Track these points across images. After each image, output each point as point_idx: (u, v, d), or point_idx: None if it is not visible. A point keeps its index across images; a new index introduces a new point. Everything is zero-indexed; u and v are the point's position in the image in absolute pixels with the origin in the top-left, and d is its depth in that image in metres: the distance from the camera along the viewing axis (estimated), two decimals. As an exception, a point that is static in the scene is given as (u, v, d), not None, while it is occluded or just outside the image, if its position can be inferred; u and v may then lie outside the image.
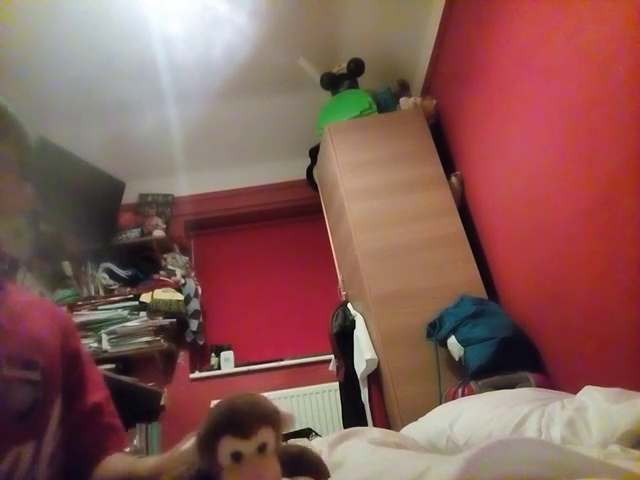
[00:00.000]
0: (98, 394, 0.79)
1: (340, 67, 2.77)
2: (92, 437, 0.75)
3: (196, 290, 3.18)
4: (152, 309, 2.95)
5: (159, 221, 3.34)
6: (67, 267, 3.10)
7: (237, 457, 0.37)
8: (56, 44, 2.40)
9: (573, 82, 1.46)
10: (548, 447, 0.28)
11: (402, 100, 2.71)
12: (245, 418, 0.39)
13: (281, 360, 2.99)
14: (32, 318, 0.72)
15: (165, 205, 3.49)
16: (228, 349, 3.11)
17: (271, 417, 0.40)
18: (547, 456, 0.26)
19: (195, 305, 3.10)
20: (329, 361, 2.53)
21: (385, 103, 2.79)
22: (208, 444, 0.39)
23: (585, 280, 1.54)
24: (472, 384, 1.76)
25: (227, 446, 0.37)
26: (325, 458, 0.61)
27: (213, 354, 3.10)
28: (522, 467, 0.26)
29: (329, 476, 0.48)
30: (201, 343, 3.13)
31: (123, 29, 2.38)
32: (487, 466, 0.26)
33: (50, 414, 0.66)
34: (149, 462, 0.68)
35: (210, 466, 0.40)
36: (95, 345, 2.82)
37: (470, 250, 2.25)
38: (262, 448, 0.38)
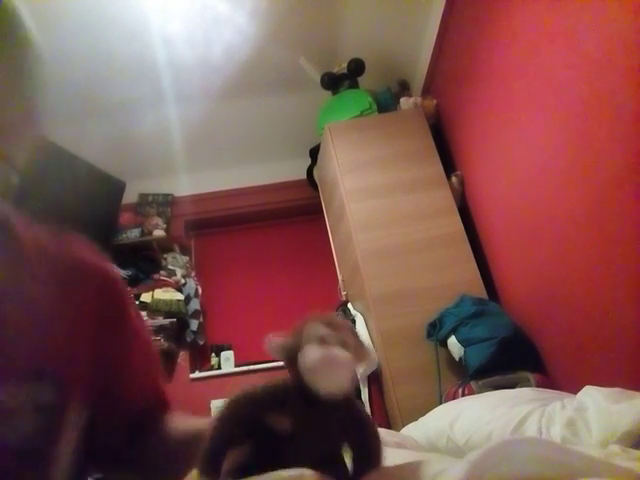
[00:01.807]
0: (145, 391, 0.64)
1: (340, 67, 2.77)
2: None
3: (196, 290, 3.18)
4: (152, 309, 2.95)
5: (159, 221, 3.34)
6: (67, 267, 3.10)
7: (321, 341, 0.39)
8: (56, 44, 2.40)
9: (573, 82, 1.46)
10: (550, 446, 0.28)
11: (402, 100, 2.71)
12: (333, 319, 0.42)
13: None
14: (49, 289, 0.49)
15: (165, 205, 3.49)
16: (228, 349, 3.11)
17: (356, 335, 0.42)
18: (550, 455, 0.26)
19: (195, 305, 3.10)
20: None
21: (385, 103, 2.79)
22: (297, 338, 0.41)
23: (585, 280, 1.54)
24: (472, 384, 1.76)
25: (316, 331, 0.40)
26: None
27: (213, 354, 3.10)
28: (527, 467, 0.26)
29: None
30: (201, 343, 3.13)
31: (124, 29, 2.38)
32: (492, 467, 0.26)
33: (67, 435, 0.48)
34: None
35: (293, 362, 0.41)
36: (95, 345, 2.82)
37: (470, 250, 2.25)
38: (344, 344, 0.40)
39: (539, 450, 0.27)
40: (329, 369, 0.38)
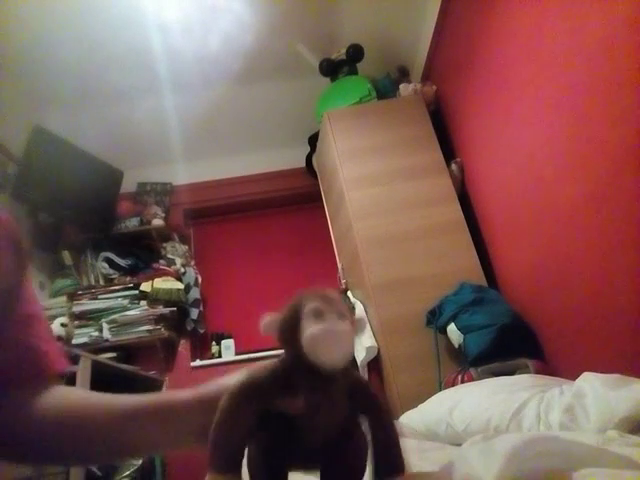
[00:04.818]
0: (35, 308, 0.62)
1: (339, 53, 2.74)
2: (29, 350, 0.60)
3: (196, 279, 3.18)
4: (152, 298, 2.95)
5: (158, 210, 3.33)
6: (66, 256, 3.10)
7: (318, 314, 0.40)
8: (53, 32, 2.38)
9: (574, 68, 1.45)
10: (551, 439, 0.28)
11: (402, 86, 2.69)
12: (329, 293, 0.43)
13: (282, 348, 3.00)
14: None
15: (164, 194, 3.48)
16: (229, 337, 3.12)
17: (348, 307, 0.43)
18: (553, 448, 0.26)
19: (195, 294, 3.11)
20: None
21: (385, 89, 2.77)
22: (292, 315, 0.42)
23: (584, 267, 1.54)
24: (472, 371, 1.77)
25: (310, 304, 0.40)
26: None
27: (214, 342, 3.11)
28: (555, 461, 0.26)
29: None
30: (202, 331, 3.14)
31: (119, 16, 2.35)
32: (525, 461, 0.26)
33: None
34: (183, 394, 0.57)
35: (290, 339, 0.41)
36: (96, 334, 2.83)
37: (470, 237, 2.24)
38: (341, 316, 0.40)
39: (547, 446, 0.27)
40: (330, 342, 0.39)
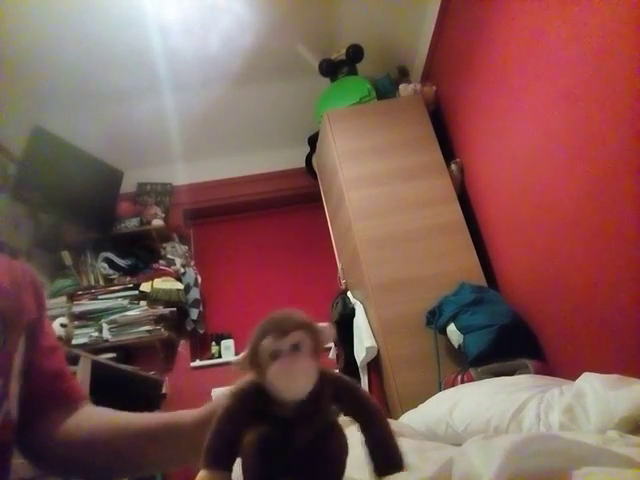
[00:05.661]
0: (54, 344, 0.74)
1: (339, 53, 2.74)
2: (53, 377, 0.71)
3: (196, 279, 3.18)
4: (152, 298, 2.95)
5: (158, 210, 3.33)
6: (66, 257, 3.10)
7: (275, 355, 0.42)
8: (53, 32, 2.38)
9: (574, 68, 1.45)
10: (552, 438, 0.28)
11: (402, 87, 2.68)
12: (280, 322, 0.44)
13: (281, 348, 3.00)
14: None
15: (164, 194, 3.48)
16: (228, 337, 3.13)
17: (305, 323, 0.44)
18: (554, 447, 0.26)
19: (195, 294, 3.11)
20: (329, 349, 2.54)
21: (384, 90, 2.77)
22: (253, 354, 0.45)
23: (584, 267, 1.54)
24: (471, 371, 1.76)
25: (266, 347, 0.43)
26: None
27: (213, 343, 3.11)
28: (555, 460, 0.26)
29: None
30: (201, 332, 3.14)
31: (119, 16, 2.35)
32: (525, 459, 0.26)
33: (14, 351, 0.63)
34: (190, 414, 0.62)
35: (259, 374, 0.44)
36: (96, 334, 2.83)
37: (470, 238, 2.24)
38: (295, 347, 0.42)
39: (547, 444, 0.27)
40: (286, 381, 0.41)
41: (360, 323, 2.21)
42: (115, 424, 0.66)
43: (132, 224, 3.20)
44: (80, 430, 0.66)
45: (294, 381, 0.41)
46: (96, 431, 0.65)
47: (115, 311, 2.91)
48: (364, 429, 0.46)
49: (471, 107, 2.26)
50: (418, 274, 2.17)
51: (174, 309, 2.99)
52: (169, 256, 3.20)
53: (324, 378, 0.44)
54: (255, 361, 0.44)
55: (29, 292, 0.69)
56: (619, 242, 1.37)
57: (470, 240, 2.24)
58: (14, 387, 0.61)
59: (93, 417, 0.68)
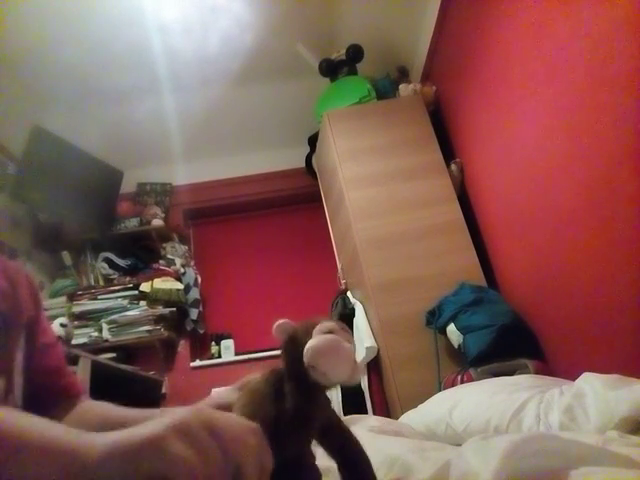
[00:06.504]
0: (54, 341, 0.78)
1: (339, 53, 2.74)
2: (53, 373, 0.74)
3: (196, 279, 3.18)
4: (152, 298, 2.95)
5: (158, 210, 3.33)
6: (66, 257, 3.10)
7: (329, 331, 0.42)
8: (53, 32, 2.38)
9: (574, 68, 1.45)
10: (552, 438, 0.28)
11: (401, 87, 2.68)
12: (341, 324, 0.46)
13: (281, 348, 3.00)
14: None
15: (164, 194, 3.48)
16: (228, 337, 3.12)
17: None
18: (553, 447, 0.26)
19: (195, 294, 3.11)
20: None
21: (384, 90, 2.77)
22: (309, 325, 0.44)
23: (584, 267, 1.54)
24: (471, 371, 1.76)
25: (325, 324, 0.43)
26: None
27: (213, 343, 3.11)
28: (554, 459, 0.26)
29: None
30: (201, 332, 3.14)
31: (119, 16, 2.35)
32: (524, 459, 0.26)
33: (15, 349, 0.65)
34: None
35: (299, 342, 0.43)
36: (96, 334, 2.83)
37: (469, 238, 2.24)
38: (349, 341, 0.43)
39: (546, 444, 0.27)
40: (335, 353, 0.40)
41: (360, 323, 2.21)
42: (113, 418, 0.67)
43: (132, 224, 3.20)
44: (80, 425, 0.65)
45: (341, 357, 0.41)
46: (95, 426, 0.66)
47: (115, 311, 2.91)
48: (340, 448, 0.46)
49: (471, 107, 2.26)
50: (418, 274, 2.17)
51: (174, 309, 2.99)
52: (169, 256, 3.19)
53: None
54: (302, 333, 0.44)
55: (25, 290, 0.71)
56: (619, 242, 1.37)
57: (470, 240, 2.24)
58: (18, 383, 0.63)
59: (92, 412, 0.70)
